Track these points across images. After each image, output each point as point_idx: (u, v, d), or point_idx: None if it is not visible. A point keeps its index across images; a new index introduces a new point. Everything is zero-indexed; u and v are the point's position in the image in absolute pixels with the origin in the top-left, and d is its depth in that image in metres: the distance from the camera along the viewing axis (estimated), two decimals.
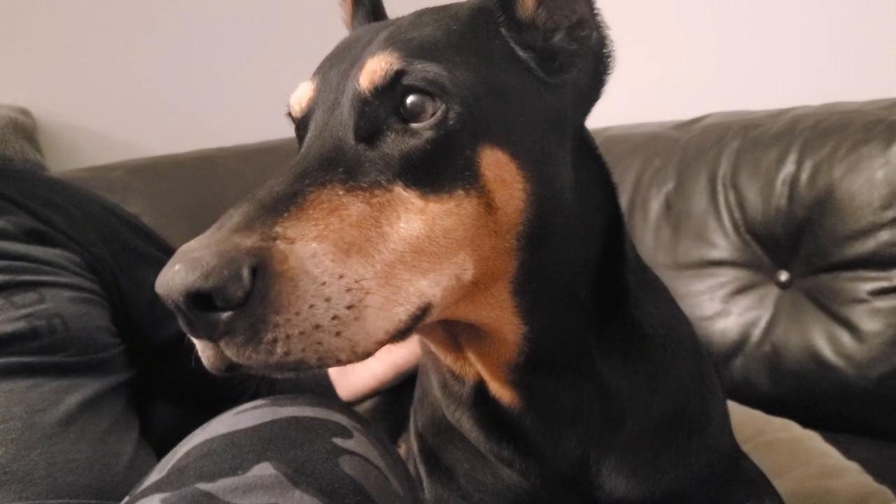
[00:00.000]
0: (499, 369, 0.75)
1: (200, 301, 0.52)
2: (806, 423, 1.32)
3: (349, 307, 0.56)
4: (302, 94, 0.71)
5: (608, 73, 0.74)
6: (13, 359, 1.00)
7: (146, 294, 1.22)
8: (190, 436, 0.65)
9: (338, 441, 0.61)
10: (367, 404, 1.33)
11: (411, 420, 0.93)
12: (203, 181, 1.58)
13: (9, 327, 1.00)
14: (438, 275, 0.62)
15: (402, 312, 0.59)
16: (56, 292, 1.08)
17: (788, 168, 1.45)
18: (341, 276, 0.56)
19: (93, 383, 1.07)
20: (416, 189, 0.62)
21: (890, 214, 1.32)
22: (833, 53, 1.71)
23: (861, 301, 1.35)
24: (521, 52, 0.70)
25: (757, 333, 1.47)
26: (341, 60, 0.70)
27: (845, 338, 1.36)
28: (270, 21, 2.04)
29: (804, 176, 1.43)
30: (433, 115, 0.63)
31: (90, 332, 1.09)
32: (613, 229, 0.78)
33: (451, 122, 0.63)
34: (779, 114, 1.57)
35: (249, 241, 0.53)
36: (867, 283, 1.35)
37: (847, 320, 1.36)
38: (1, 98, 1.70)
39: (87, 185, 1.39)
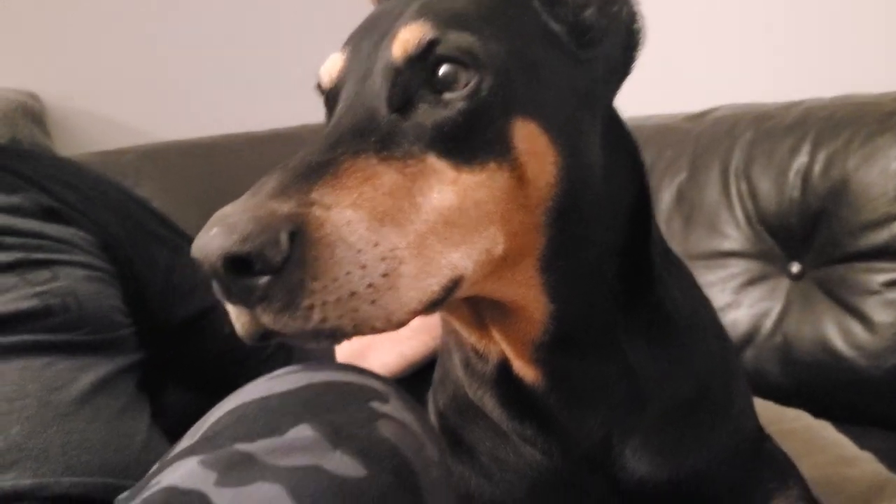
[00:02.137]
0: (523, 347, 0.75)
1: (238, 265, 0.51)
2: (818, 414, 1.31)
3: (384, 275, 0.55)
4: (332, 65, 0.71)
5: (638, 49, 0.74)
6: (27, 336, 0.99)
7: (160, 274, 1.22)
8: (220, 403, 0.65)
9: (375, 405, 0.61)
10: None
11: (430, 402, 0.93)
12: (215, 167, 1.57)
13: (23, 305, 1.00)
14: (470, 248, 0.62)
15: (434, 284, 0.59)
16: (70, 271, 1.07)
17: (802, 159, 1.45)
18: (376, 245, 0.55)
19: (106, 363, 1.07)
20: (449, 160, 0.61)
21: None
22: (842, 46, 1.71)
23: (874, 292, 1.35)
24: (553, 25, 0.70)
25: (768, 325, 1.47)
26: (372, 32, 0.69)
27: (857, 329, 1.36)
28: (284, 6, 2.03)
29: (818, 167, 1.43)
30: (466, 85, 0.63)
31: (104, 311, 1.09)
32: (641, 209, 0.77)
33: (483, 93, 0.63)
34: (791, 105, 1.57)
35: (287, 206, 0.53)
36: (880, 275, 1.35)
37: (859, 311, 1.36)
38: (9, 82, 1.69)
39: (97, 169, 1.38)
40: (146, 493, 0.52)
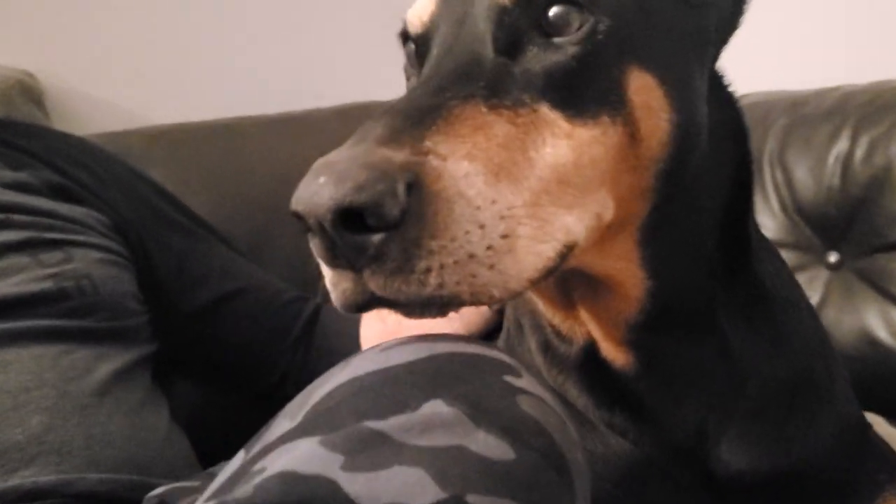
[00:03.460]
0: (615, 328, 0.69)
1: (350, 219, 0.45)
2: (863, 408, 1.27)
3: (503, 237, 0.49)
4: (423, 8, 0.64)
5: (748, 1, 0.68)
6: (42, 322, 0.92)
7: (174, 260, 1.16)
8: (321, 379, 0.57)
9: (510, 379, 0.54)
10: None
11: None
12: (226, 151, 1.49)
13: (35, 287, 0.93)
14: (582, 211, 0.56)
15: (549, 249, 0.53)
16: (84, 252, 1.01)
17: (842, 145, 1.40)
18: (494, 202, 0.50)
19: (123, 353, 1.01)
20: (561, 111, 0.56)
21: None
22: (873, 33, 1.67)
23: None
24: None
25: None
26: None
27: None
28: None
29: (859, 153, 1.38)
30: (579, 28, 0.57)
31: (119, 296, 1.02)
32: (742, 176, 0.72)
33: (599, 37, 0.57)
34: (826, 91, 1.52)
35: (401, 154, 0.47)
36: None
37: None
38: (4, 60, 1.60)
39: None
40: (256, 480, 0.44)
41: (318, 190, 0.45)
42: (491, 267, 0.49)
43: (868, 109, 1.40)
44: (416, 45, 0.65)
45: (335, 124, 1.61)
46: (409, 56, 0.68)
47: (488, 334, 1.05)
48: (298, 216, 0.48)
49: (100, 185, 1.10)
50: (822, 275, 1.43)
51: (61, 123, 1.62)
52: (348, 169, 0.45)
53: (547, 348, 0.77)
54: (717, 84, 0.71)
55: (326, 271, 0.52)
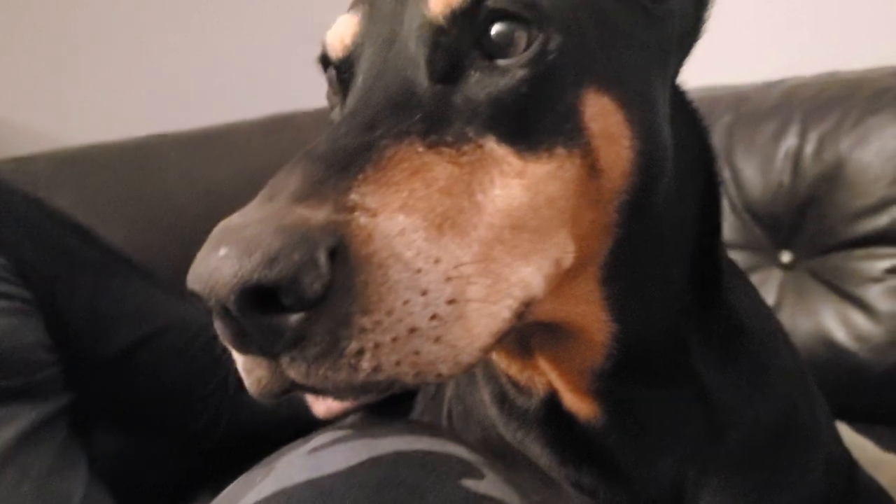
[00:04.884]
0: (579, 377, 0.61)
1: (260, 299, 0.36)
2: None
3: (450, 302, 0.41)
4: (344, 28, 0.55)
5: (709, 7, 0.61)
6: None
7: (85, 301, 1.06)
8: (240, 485, 0.48)
9: (469, 484, 0.45)
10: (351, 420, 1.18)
11: None
12: (140, 173, 1.38)
13: None
14: (541, 258, 0.48)
15: (505, 309, 0.45)
16: None
17: (790, 141, 1.36)
18: (437, 261, 0.42)
19: (29, 412, 0.91)
20: (511, 145, 0.48)
21: None
22: (816, 23, 1.64)
23: (876, 280, 1.27)
24: None
25: None
26: None
27: (859, 319, 1.27)
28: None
29: (809, 149, 1.34)
30: (528, 47, 0.49)
31: (23, 349, 0.93)
32: (710, 201, 0.65)
33: (550, 57, 0.49)
34: (770, 86, 1.48)
35: (321, 213, 0.38)
36: (883, 261, 1.26)
37: (861, 300, 1.28)
38: None
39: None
40: None
41: (218, 265, 0.37)
42: (437, 340, 0.41)
43: (815, 103, 1.36)
44: (339, 70, 0.56)
45: (258, 139, 1.51)
46: (331, 82, 0.59)
47: None
48: (196, 296, 0.39)
49: None
50: (776, 275, 1.39)
51: None
52: (256, 236, 0.37)
53: (503, 400, 0.69)
54: (678, 101, 0.63)
55: (236, 355, 0.43)
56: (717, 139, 1.45)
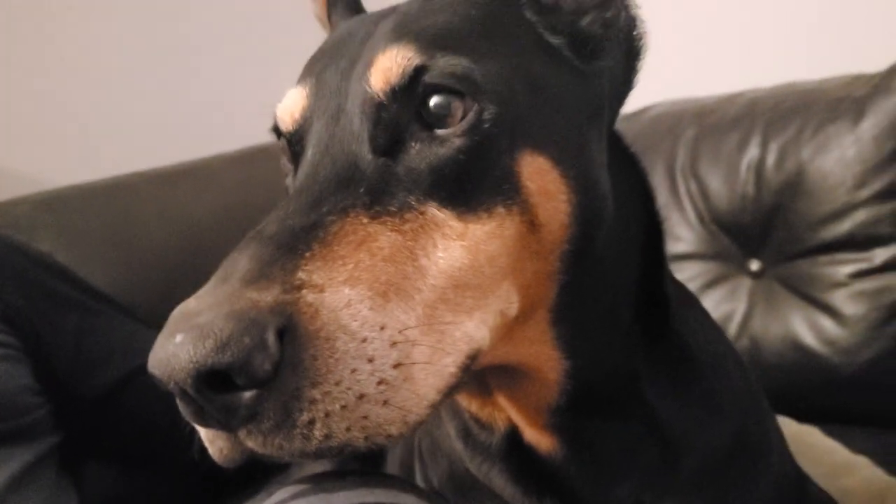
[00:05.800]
0: (537, 413, 0.64)
1: (215, 381, 0.39)
2: (793, 417, 1.26)
3: (396, 366, 0.44)
4: (293, 103, 0.58)
5: (641, 57, 0.64)
6: None
7: (71, 342, 1.09)
8: None
9: None
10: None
11: (417, 476, 0.80)
12: (120, 211, 1.39)
13: None
14: (484, 312, 0.51)
15: (450, 364, 0.48)
16: None
17: (752, 152, 1.40)
18: (383, 328, 0.45)
19: (20, 455, 0.94)
20: (452, 209, 0.51)
21: (865, 193, 1.27)
22: (772, 35, 1.68)
23: (841, 285, 1.30)
24: (551, 38, 0.60)
25: (733, 327, 1.41)
26: (336, 59, 0.58)
27: (827, 324, 1.31)
28: (184, 38, 1.84)
29: (771, 159, 1.37)
30: (464, 117, 0.52)
31: (11, 394, 0.95)
32: (652, 237, 0.68)
33: (485, 126, 0.52)
34: (731, 98, 1.52)
35: (269, 294, 0.41)
36: (846, 266, 1.30)
37: (828, 305, 1.31)
38: None
39: None
40: None
41: (175, 351, 0.40)
42: (385, 403, 0.44)
43: (774, 115, 1.40)
44: (290, 143, 0.59)
45: (235, 171, 1.53)
46: (283, 151, 0.62)
47: None
48: (157, 379, 0.42)
49: None
50: (745, 283, 1.42)
51: None
52: (209, 323, 0.40)
53: (468, 435, 0.71)
54: (615, 146, 0.66)
55: (199, 428, 0.46)
56: (683, 153, 1.50)
